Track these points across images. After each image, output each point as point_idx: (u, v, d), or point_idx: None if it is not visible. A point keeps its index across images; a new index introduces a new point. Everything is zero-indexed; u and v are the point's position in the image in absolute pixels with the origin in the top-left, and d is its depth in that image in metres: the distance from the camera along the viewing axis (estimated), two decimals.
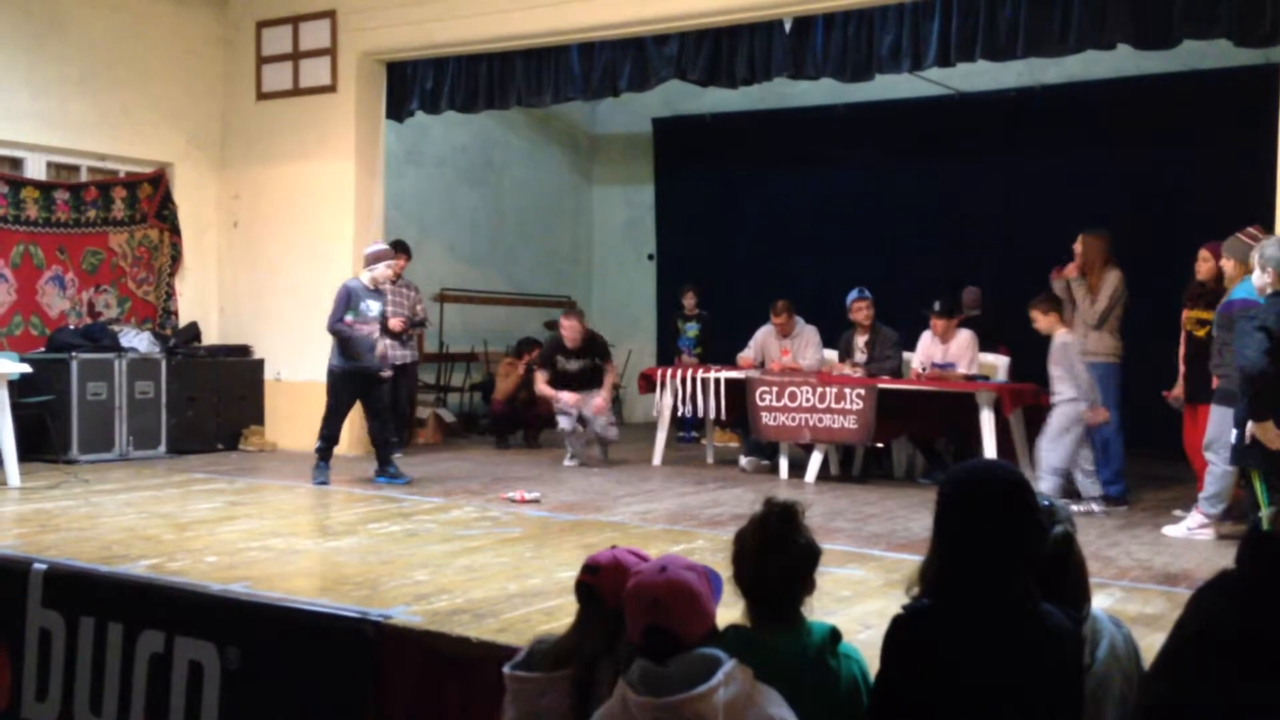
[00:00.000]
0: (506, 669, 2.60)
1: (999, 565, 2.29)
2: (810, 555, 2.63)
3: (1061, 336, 7.15)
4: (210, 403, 9.47)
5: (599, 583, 2.59)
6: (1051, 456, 7.02)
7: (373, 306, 7.72)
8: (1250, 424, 5.17)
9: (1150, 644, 4.10)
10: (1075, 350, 7.10)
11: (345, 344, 7.66)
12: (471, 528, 6.20)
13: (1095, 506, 7.05)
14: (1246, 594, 1.30)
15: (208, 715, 4.31)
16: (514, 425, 10.39)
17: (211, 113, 10.18)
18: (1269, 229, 6.32)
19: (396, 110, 9.84)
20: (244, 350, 9.96)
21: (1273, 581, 1.27)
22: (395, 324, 9.09)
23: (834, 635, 2.56)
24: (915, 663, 2.31)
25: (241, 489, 7.51)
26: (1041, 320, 7.24)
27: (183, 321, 9.96)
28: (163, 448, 9.08)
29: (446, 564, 5.17)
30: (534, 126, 12.93)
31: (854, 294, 8.73)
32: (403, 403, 9.64)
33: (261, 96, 10.02)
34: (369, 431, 8.20)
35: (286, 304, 9.80)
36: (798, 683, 2.41)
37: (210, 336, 10.11)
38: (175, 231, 9.97)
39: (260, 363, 9.90)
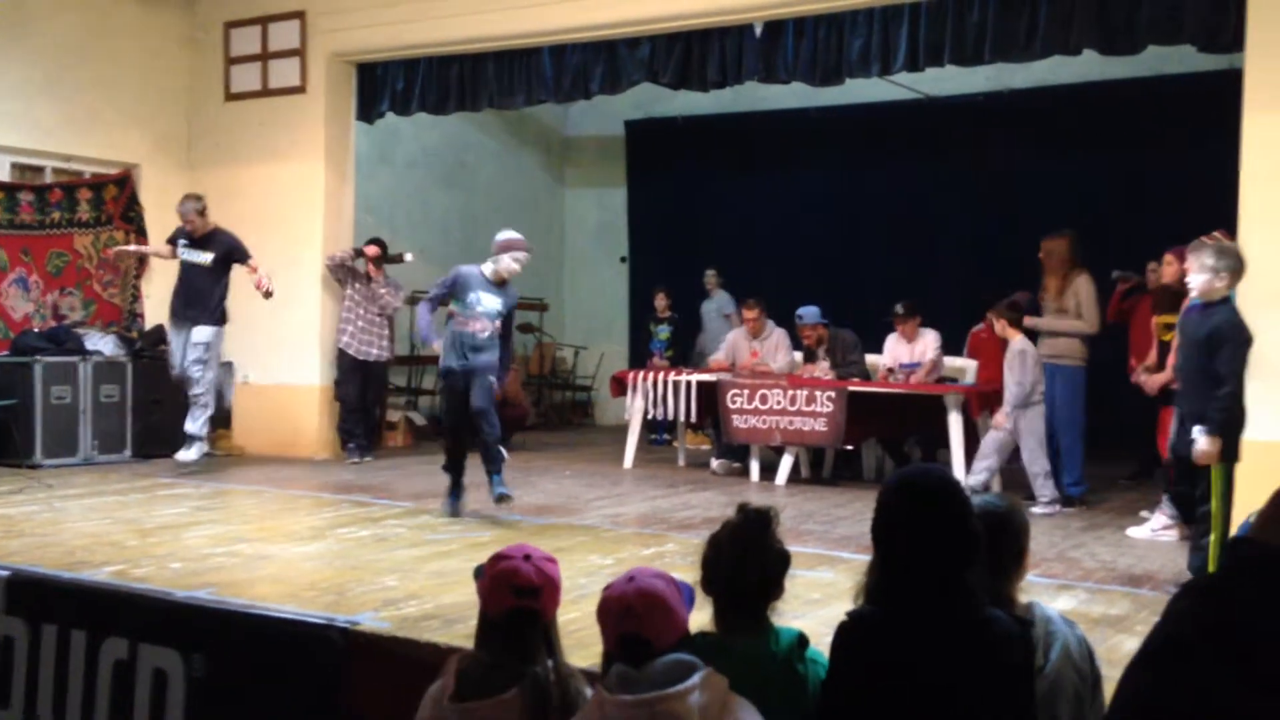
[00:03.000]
0: (443, 700, 2.55)
1: (938, 570, 2.32)
2: (782, 561, 2.65)
3: (1017, 343, 7.24)
4: (176, 406, 9.34)
5: (540, 604, 2.55)
6: (1040, 462, 7.13)
7: (486, 301, 6.59)
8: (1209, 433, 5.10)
9: (1114, 645, 4.16)
10: (1031, 358, 7.19)
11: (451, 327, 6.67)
12: (441, 532, 6.18)
13: (1057, 507, 7.13)
14: (1225, 596, 1.31)
15: None
16: None
17: (179, 114, 10.09)
18: (1232, 234, 6.38)
19: (367, 111, 9.79)
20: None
21: (1251, 585, 1.28)
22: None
23: (801, 640, 2.57)
24: (861, 668, 2.33)
25: (208, 494, 7.45)
26: (997, 326, 7.36)
27: (149, 324, 9.86)
28: (128, 452, 8.99)
29: (416, 569, 5.15)
30: (506, 128, 12.91)
31: (805, 318, 8.73)
32: (371, 403, 9.58)
33: (230, 97, 9.94)
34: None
35: (255, 307, 9.69)
36: (765, 688, 2.42)
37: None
38: (141, 233, 9.87)
39: (228, 366, 9.82)
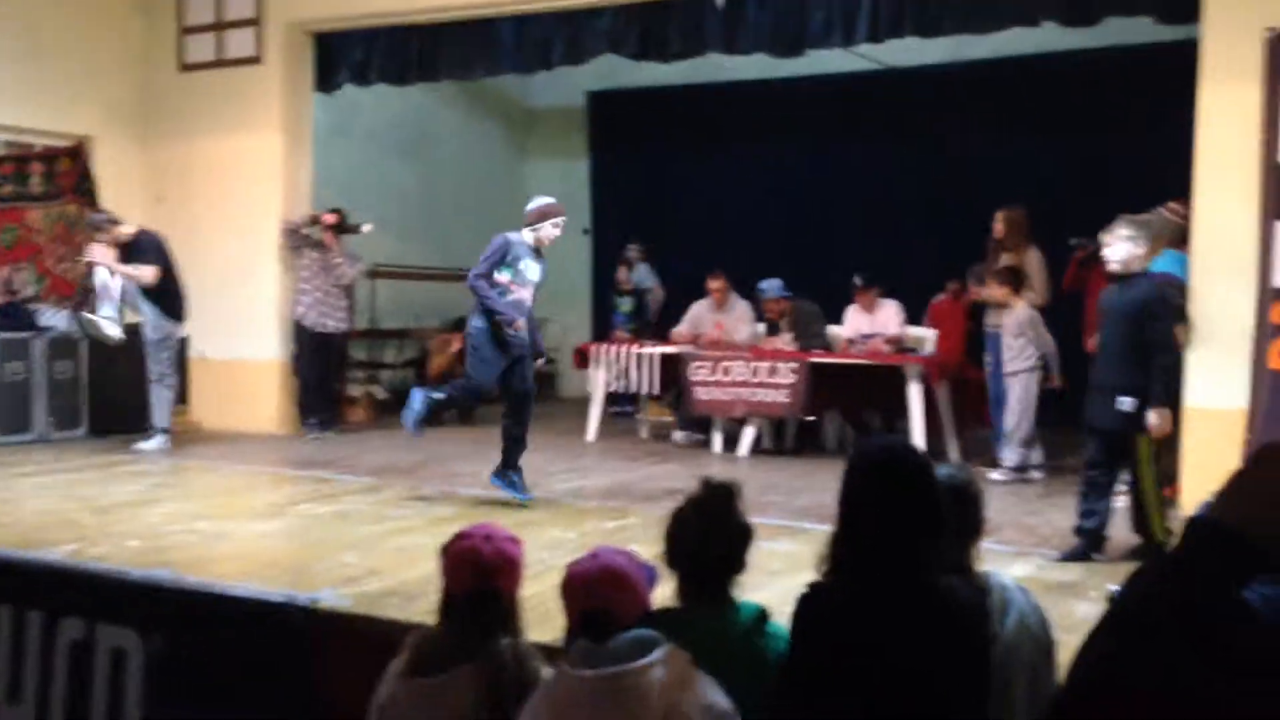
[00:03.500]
0: (397, 675, 2.56)
1: (901, 541, 2.34)
2: (744, 535, 2.66)
3: (1024, 309, 7.28)
4: (133, 383, 9.25)
5: (501, 585, 2.55)
6: (1024, 428, 7.18)
7: (531, 270, 6.27)
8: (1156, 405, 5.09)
9: (1068, 611, 4.21)
10: (1040, 322, 7.26)
11: (485, 306, 6.21)
12: (402, 507, 6.15)
13: (1036, 474, 7.18)
14: (1185, 575, 1.33)
15: (131, 703, 4.24)
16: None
17: (132, 85, 9.90)
18: (1188, 204, 6.45)
19: (325, 82, 9.65)
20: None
21: (1211, 564, 1.30)
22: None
23: (762, 615, 2.58)
24: (822, 638, 2.35)
25: (165, 471, 7.37)
26: (998, 291, 7.35)
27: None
28: (84, 429, 8.87)
29: (377, 545, 5.13)
30: (467, 99, 12.78)
31: (768, 292, 8.74)
32: (330, 377, 9.49)
33: (184, 68, 9.77)
34: (503, 426, 6.52)
35: (212, 281, 9.58)
36: (727, 663, 2.43)
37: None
38: (95, 207, 9.70)
39: (185, 341, 9.68)
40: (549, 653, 2.83)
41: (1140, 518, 5.15)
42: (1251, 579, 1.33)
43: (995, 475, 7.14)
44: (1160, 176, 7.15)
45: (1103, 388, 5.16)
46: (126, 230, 8.24)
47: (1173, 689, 1.31)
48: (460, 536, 2.62)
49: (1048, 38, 8.41)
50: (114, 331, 8.04)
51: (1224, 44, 6.27)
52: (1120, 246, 5.11)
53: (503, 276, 6.17)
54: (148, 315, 8.21)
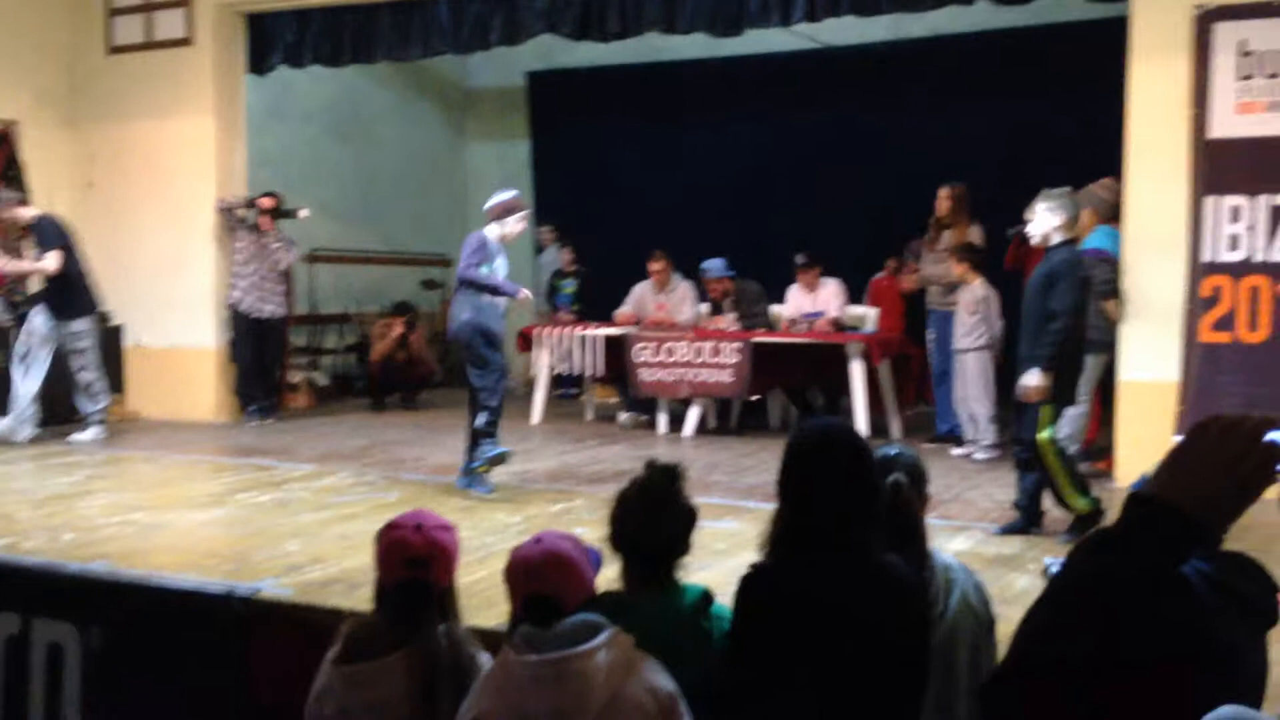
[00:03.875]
0: (331, 662, 2.54)
1: (840, 521, 2.36)
2: (689, 518, 2.66)
3: (981, 287, 7.34)
4: (67, 371, 9.06)
5: (431, 575, 2.53)
6: (986, 405, 7.23)
7: (502, 269, 6.29)
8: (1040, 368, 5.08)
9: (1007, 584, 4.28)
10: (995, 302, 7.33)
11: (481, 294, 6.17)
12: (346, 494, 6.09)
13: (994, 453, 7.22)
14: (1125, 552, 1.35)
15: (69, 698, 4.17)
16: (391, 387, 10.23)
17: (59, 68, 9.65)
18: (1120, 179, 6.55)
19: (258, 64, 9.48)
20: (102, 317, 9.53)
21: (1151, 541, 1.33)
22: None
23: (706, 597, 2.59)
24: (764, 618, 2.37)
25: (101, 461, 7.23)
26: (956, 268, 7.40)
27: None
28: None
29: (319, 533, 5.08)
30: (404, 80, 12.63)
31: (711, 271, 8.76)
32: (269, 364, 9.37)
33: (113, 50, 9.55)
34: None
35: (145, 267, 9.43)
36: (672, 645, 2.44)
37: None
38: (22, 193, 9.46)
39: (119, 329, 9.52)
40: (494, 637, 2.83)
41: (1055, 490, 5.13)
42: (1190, 554, 1.35)
43: (979, 456, 7.21)
44: (1095, 152, 7.26)
45: (1019, 360, 5.18)
46: (26, 214, 8.04)
47: (1107, 664, 1.33)
48: (391, 526, 2.59)
49: (984, 15, 8.48)
50: None
51: (1153, 21, 6.37)
52: (1038, 220, 5.17)
53: (484, 271, 6.15)
54: (37, 319, 7.93)
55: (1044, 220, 5.11)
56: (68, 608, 4.24)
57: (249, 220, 9.08)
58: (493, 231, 6.26)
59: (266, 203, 9.11)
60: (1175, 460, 1.35)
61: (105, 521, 5.33)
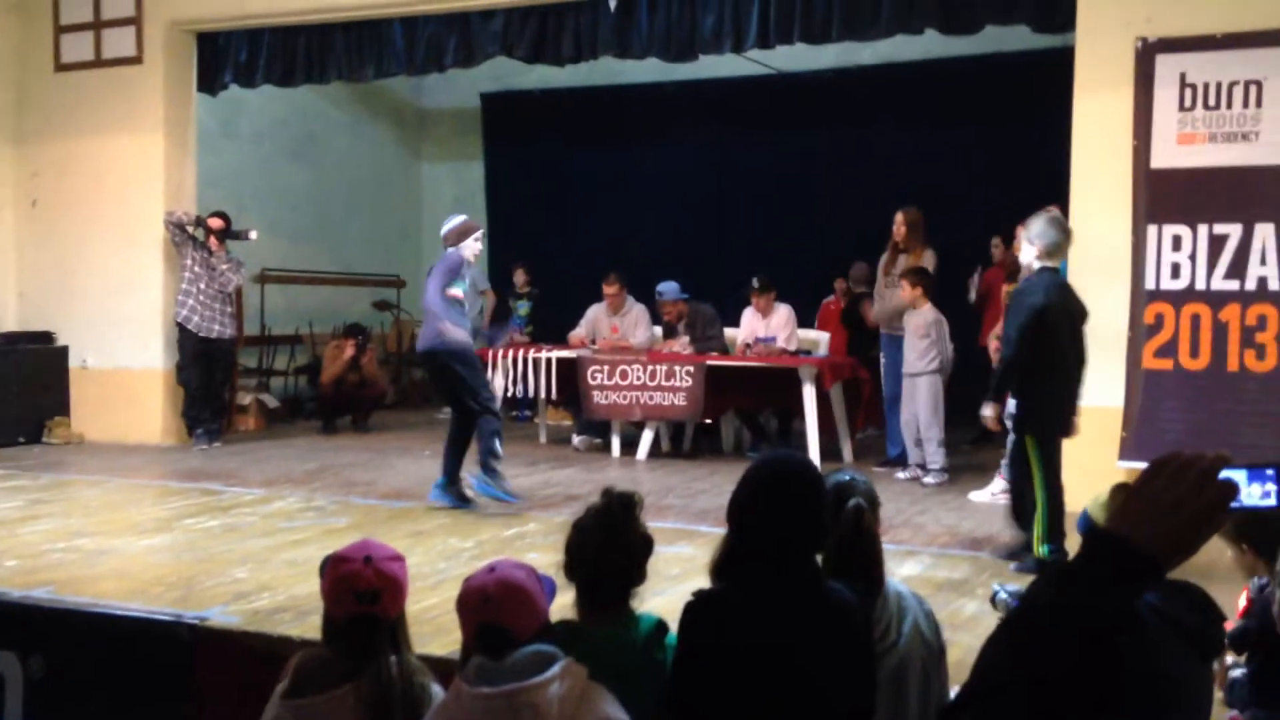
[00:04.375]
0: (280, 695, 2.51)
1: (786, 549, 2.38)
2: (645, 547, 2.66)
3: (931, 311, 7.41)
4: (10, 393, 8.91)
5: (381, 607, 2.50)
6: (935, 429, 7.29)
7: (463, 289, 6.44)
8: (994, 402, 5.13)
9: (956, 609, 4.33)
10: (944, 326, 7.41)
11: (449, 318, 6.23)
12: (295, 519, 6.03)
13: (942, 477, 7.28)
14: (1084, 585, 1.39)
15: None
16: (341, 409, 10.14)
17: (6, 84, 9.51)
18: (1065, 208, 6.65)
19: (209, 83, 9.40)
20: (46, 337, 9.40)
21: (1102, 573, 1.36)
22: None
23: (660, 627, 2.60)
24: (709, 646, 2.38)
25: (46, 485, 7.10)
26: (908, 293, 7.46)
27: None
28: None
29: (268, 559, 5.02)
30: (358, 100, 12.58)
31: (665, 294, 8.80)
32: (218, 385, 9.25)
33: (60, 68, 9.43)
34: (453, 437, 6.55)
35: (92, 287, 9.30)
36: (626, 676, 2.43)
37: (8, 323, 9.51)
38: None
39: (64, 350, 9.37)
40: (446, 666, 2.81)
41: (1020, 516, 5.15)
42: (1146, 590, 1.39)
43: (929, 480, 7.26)
44: (1041, 180, 7.39)
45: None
46: None
47: (1064, 696, 1.36)
48: (339, 559, 2.55)
49: (933, 44, 8.63)
50: None
51: (1097, 53, 6.50)
52: (1023, 250, 5.25)
53: (455, 291, 6.28)
54: None
55: (1025, 250, 5.18)
56: (9, 636, 4.16)
57: (199, 238, 8.98)
58: (457, 252, 6.38)
59: (215, 223, 9.02)
60: (1133, 497, 1.38)
61: (49, 547, 5.23)
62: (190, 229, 8.96)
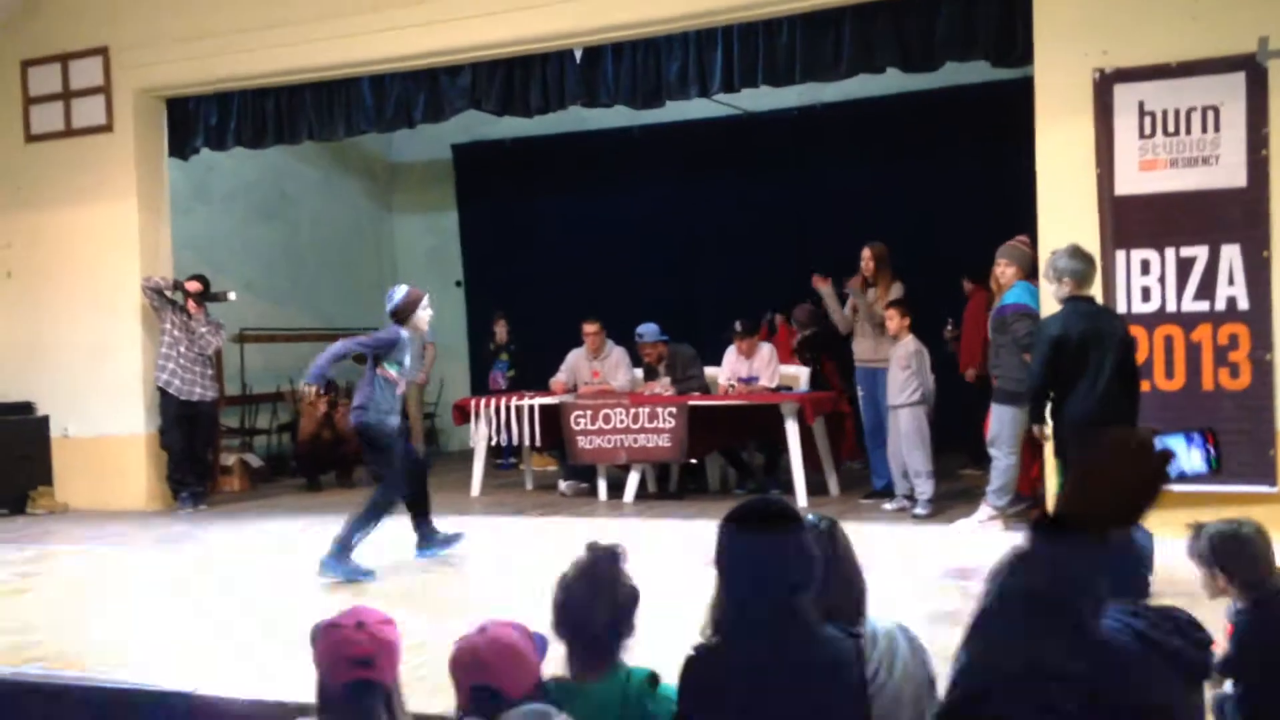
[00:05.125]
0: None
1: (776, 597, 2.39)
2: (632, 599, 2.67)
3: (914, 342, 7.47)
4: None
5: (376, 674, 2.51)
6: (920, 459, 7.32)
7: (410, 365, 6.43)
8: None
9: (950, 642, 4.33)
10: (926, 358, 7.46)
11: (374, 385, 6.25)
12: (285, 583, 5.99)
13: (930, 508, 7.31)
14: (1041, 566, 1.46)
15: None
16: (324, 466, 10.12)
17: None
18: (1034, 237, 6.76)
19: (180, 148, 9.46)
20: (25, 408, 9.36)
21: (1058, 552, 1.40)
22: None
23: (652, 679, 2.61)
24: (709, 700, 2.39)
25: (31, 558, 7.05)
26: (896, 323, 7.51)
27: None
28: None
29: (257, 624, 4.99)
30: (328, 157, 12.64)
31: (645, 336, 8.85)
32: (201, 448, 9.23)
33: (31, 139, 9.47)
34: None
35: (71, 356, 9.28)
36: None
37: None
38: None
39: (45, 419, 9.33)
40: None
41: None
42: (1097, 564, 1.44)
43: (917, 511, 7.29)
44: (1007, 209, 7.50)
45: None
46: None
47: (1043, 675, 1.41)
48: (331, 625, 2.55)
49: (896, 80, 8.77)
50: None
51: (1055, 84, 6.62)
52: (1054, 289, 5.41)
53: (390, 372, 6.22)
54: None
55: (1058, 288, 5.35)
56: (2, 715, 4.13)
57: (178, 301, 8.99)
58: (419, 324, 6.43)
59: (193, 286, 9.04)
60: (1078, 478, 1.45)
61: (36, 621, 5.20)
62: (169, 293, 8.97)
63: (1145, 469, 1.42)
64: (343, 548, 5.89)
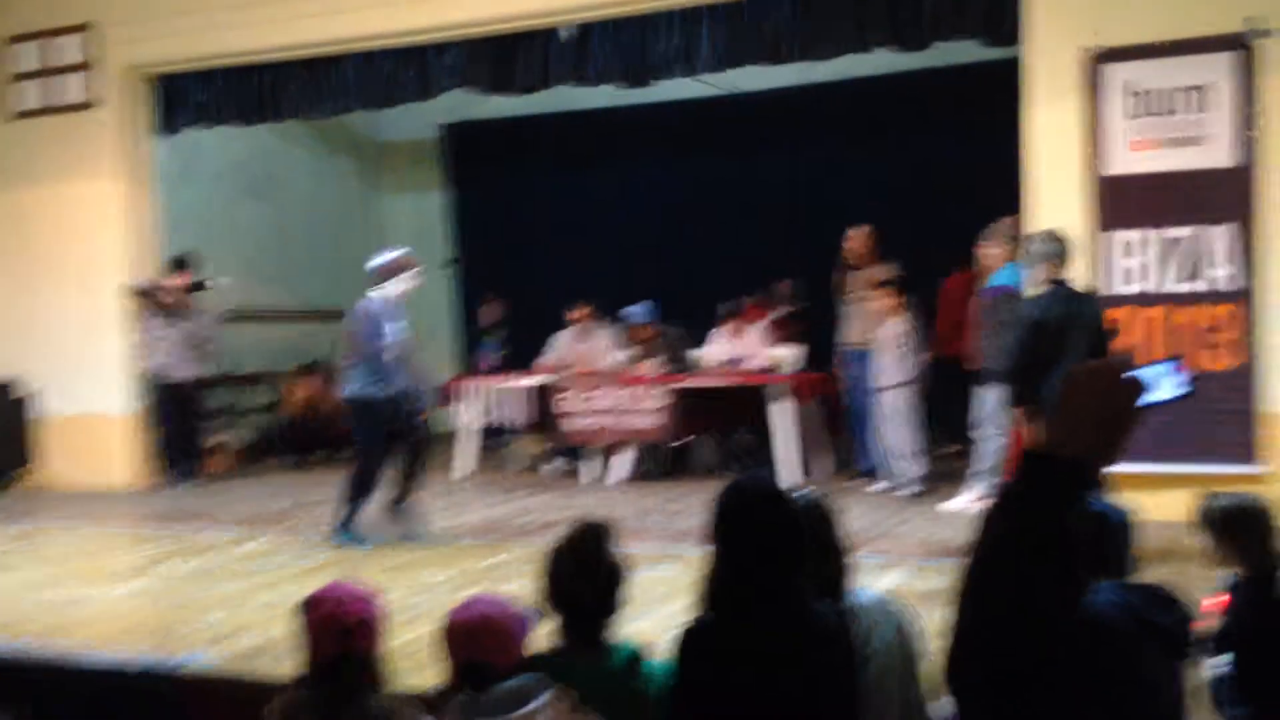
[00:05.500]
0: None
1: (769, 573, 2.41)
2: (617, 576, 2.68)
3: (902, 322, 7.46)
4: None
5: (359, 645, 2.51)
6: (905, 439, 7.31)
7: (399, 327, 6.33)
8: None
9: (937, 620, 4.35)
10: (914, 339, 7.46)
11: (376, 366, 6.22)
12: (270, 559, 6.00)
13: (919, 487, 7.32)
14: (1029, 506, 1.48)
15: None
16: (311, 445, 10.09)
17: None
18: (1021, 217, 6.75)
19: (167, 125, 9.38)
20: (7, 387, 9.31)
21: (1045, 489, 1.42)
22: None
23: (636, 656, 2.62)
24: (705, 673, 2.40)
25: (15, 536, 7.02)
26: (885, 303, 7.48)
27: None
28: None
29: (245, 601, 5.00)
30: (316, 137, 12.56)
31: (634, 317, 8.84)
32: (189, 427, 9.18)
33: (15, 116, 9.38)
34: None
35: (55, 334, 9.22)
36: (604, 705, 2.46)
37: None
38: None
39: (27, 399, 9.27)
40: (430, 701, 2.81)
41: None
42: (1080, 496, 1.44)
43: (904, 491, 7.29)
44: (996, 190, 7.47)
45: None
46: None
47: (1035, 612, 1.43)
48: (315, 602, 2.56)
49: (886, 60, 8.74)
50: None
51: (1044, 64, 6.61)
52: (1032, 272, 5.42)
53: (375, 344, 6.17)
54: None
55: (1037, 271, 5.35)
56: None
57: (163, 300, 8.95)
58: (391, 292, 6.27)
59: (181, 281, 8.99)
60: (1057, 416, 1.46)
61: (23, 597, 5.18)
62: (153, 294, 8.89)
63: (1120, 399, 1.44)
64: (343, 524, 6.18)
